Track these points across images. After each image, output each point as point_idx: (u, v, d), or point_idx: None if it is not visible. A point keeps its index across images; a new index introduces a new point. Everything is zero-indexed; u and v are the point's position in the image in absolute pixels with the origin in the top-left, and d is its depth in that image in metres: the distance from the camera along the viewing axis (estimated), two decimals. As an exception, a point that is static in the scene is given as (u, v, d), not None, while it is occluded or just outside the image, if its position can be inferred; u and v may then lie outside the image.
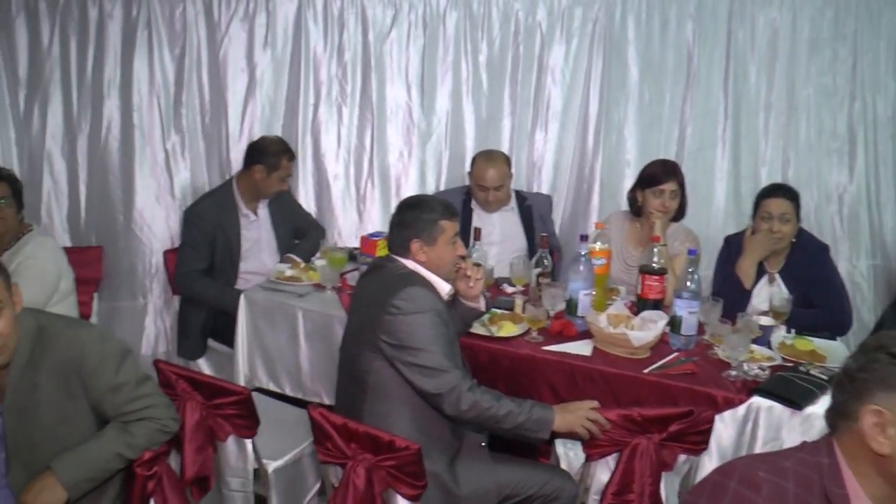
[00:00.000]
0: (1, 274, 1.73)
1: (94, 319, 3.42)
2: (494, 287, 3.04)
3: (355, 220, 3.93)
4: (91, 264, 3.44)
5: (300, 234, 3.57)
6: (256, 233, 3.41)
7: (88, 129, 3.72)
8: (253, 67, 3.77)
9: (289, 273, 3.13)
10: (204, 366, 3.45)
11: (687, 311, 2.44)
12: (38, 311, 1.91)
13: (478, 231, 3.09)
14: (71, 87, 3.67)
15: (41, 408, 1.79)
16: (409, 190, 3.88)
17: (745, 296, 2.86)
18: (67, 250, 3.09)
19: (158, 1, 3.63)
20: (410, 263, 2.23)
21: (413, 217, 2.22)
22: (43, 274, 2.83)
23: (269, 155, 3.30)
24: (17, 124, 3.69)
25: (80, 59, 3.66)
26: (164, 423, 1.89)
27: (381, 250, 2.87)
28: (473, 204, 3.46)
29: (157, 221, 3.80)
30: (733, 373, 2.28)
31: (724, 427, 2.18)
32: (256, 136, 3.70)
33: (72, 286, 3.03)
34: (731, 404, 2.19)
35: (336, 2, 3.76)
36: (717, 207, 3.92)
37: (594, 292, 2.69)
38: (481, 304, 2.40)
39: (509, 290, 3.01)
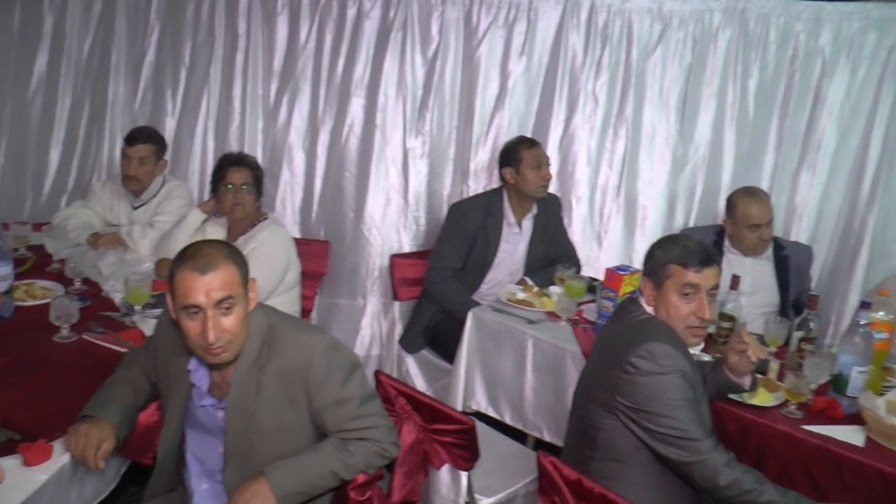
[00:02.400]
0: (240, 268, 1.84)
1: (314, 314, 3.79)
2: None
3: (594, 248, 4.05)
4: (317, 258, 3.76)
5: (552, 260, 3.64)
6: (514, 245, 3.59)
7: (331, 124, 4.03)
8: (506, 76, 3.93)
9: (521, 296, 3.27)
10: (415, 369, 3.67)
11: None
12: (271, 309, 2.00)
13: (736, 279, 3.07)
14: (320, 82, 3.99)
15: (262, 410, 1.88)
16: (656, 222, 3.96)
17: None
18: (296, 241, 3.41)
19: (417, 3, 3.86)
20: (651, 308, 2.16)
21: (651, 252, 2.16)
22: (273, 262, 3.14)
23: (509, 151, 3.56)
24: (265, 115, 4.07)
25: (333, 57, 3.95)
26: (385, 447, 1.93)
27: (627, 287, 2.91)
28: (727, 247, 3.49)
29: (386, 224, 4.06)
30: None
31: None
32: (500, 147, 3.86)
33: (298, 278, 3.37)
34: None
35: (602, 12, 3.84)
36: None
37: (870, 370, 2.57)
38: (746, 382, 2.29)
39: (759, 349, 3.06)
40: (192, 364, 1.92)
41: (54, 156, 4.25)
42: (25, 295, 2.77)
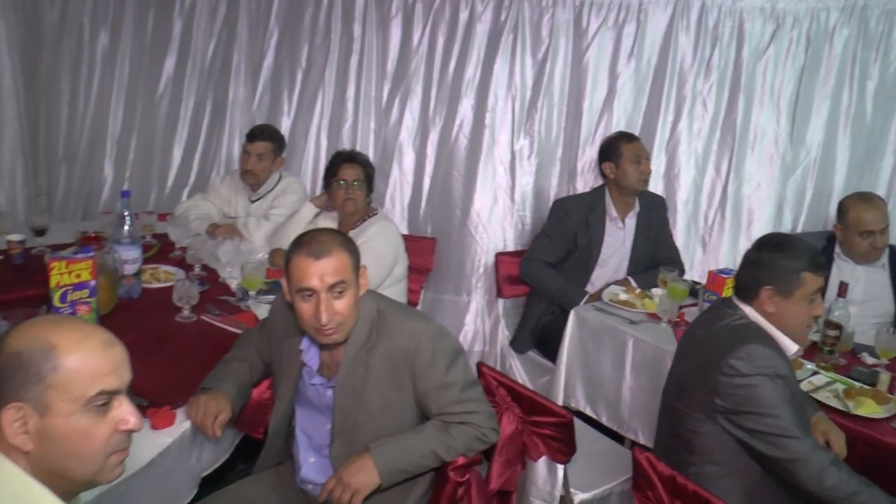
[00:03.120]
0: (352, 255, 1.96)
1: (419, 308, 3.97)
2: (851, 354, 2.98)
3: (698, 251, 4.14)
4: (424, 254, 3.99)
5: (655, 263, 3.69)
6: (619, 241, 3.68)
7: (441, 124, 4.25)
8: (614, 78, 4.08)
9: (623, 297, 3.38)
10: (519, 367, 3.81)
11: None
12: (380, 295, 2.14)
13: (844, 286, 3.10)
14: (431, 84, 4.22)
15: (369, 390, 2.00)
16: (762, 227, 4.01)
17: None
18: (404, 237, 3.61)
19: (528, 5, 4.03)
20: (752, 313, 2.18)
21: (772, 259, 2.15)
22: (382, 256, 3.33)
23: (608, 146, 3.66)
24: (377, 115, 4.32)
25: (444, 58, 4.18)
26: (485, 431, 2.02)
27: (729, 290, 2.92)
28: (837, 253, 3.49)
29: (492, 222, 4.24)
30: None
31: None
32: None
33: (405, 272, 3.58)
34: None
35: (713, 12, 3.94)
36: None
37: None
38: None
39: (869, 360, 2.92)
40: (304, 344, 2.07)
41: (177, 152, 4.64)
42: (151, 278, 3.05)
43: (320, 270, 1.89)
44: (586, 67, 4.11)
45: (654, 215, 3.79)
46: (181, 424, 2.03)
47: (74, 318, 1.07)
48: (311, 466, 2.15)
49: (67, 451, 1.18)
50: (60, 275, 2.37)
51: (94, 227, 3.54)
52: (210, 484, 2.22)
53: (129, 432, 1.26)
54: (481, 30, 4.12)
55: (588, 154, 4.19)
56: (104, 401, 1.20)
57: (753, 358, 2.05)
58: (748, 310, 2.20)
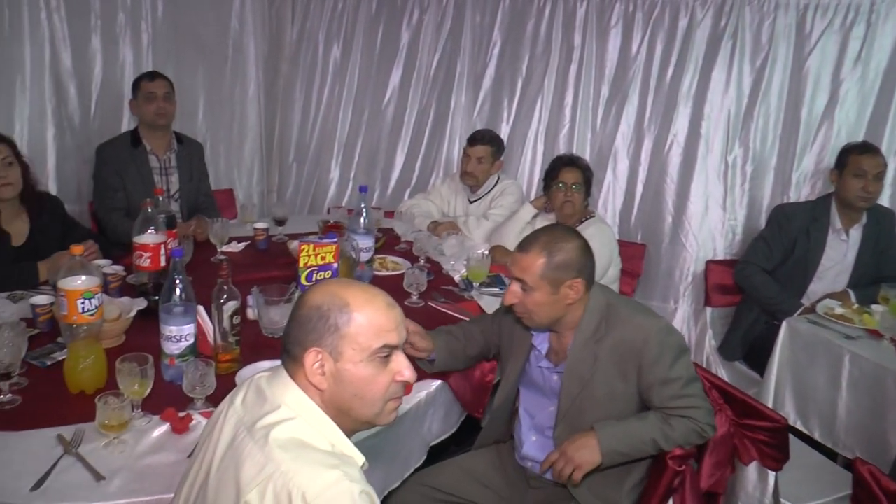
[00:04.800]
0: (549, 260, 2.14)
1: None
2: None
3: None
4: (634, 259, 4.26)
5: (878, 279, 3.60)
6: (841, 254, 3.69)
7: (656, 132, 4.56)
8: (837, 84, 4.21)
9: (839, 311, 3.35)
10: (725, 377, 3.95)
11: None
12: (609, 290, 2.31)
13: None
14: (648, 91, 4.55)
15: (595, 379, 2.17)
16: None
17: None
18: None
19: (749, 10, 4.27)
20: None
21: None
22: (598, 258, 3.46)
23: (842, 153, 3.68)
24: (593, 122, 4.70)
25: (662, 66, 4.50)
26: (703, 426, 2.14)
27: None
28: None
29: (703, 231, 4.48)
30: None
31: None
32: (826, 160, 4.18)
33: (618, 274, 3.83)
34: None
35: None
36: None
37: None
38: None
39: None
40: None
41: (400, 155, 5.24)
42: (380, 266, 3.49)
43: (517, 262, 2.17)
44: (807, 74, 4.27)
45: (883, 228, 3.75)
46: (416, 394, 2.35)
47: (361, 282, 1.48)
48: (532, 444, 2.37)
49: (354, 393, 1.41)
50: (308, 256, 2.79)
51: (334, 217, 4.12)
52: (435, 454, 2.54)
53: (404, 383, 1.48)
54: (700, 37, 4.40)
55: (805, 164, 4.35)
56: (386, 353, 1.43)
57: None
58: None
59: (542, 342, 2.31)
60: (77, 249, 2.27)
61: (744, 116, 4.42)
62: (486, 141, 4.24)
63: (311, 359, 1.41)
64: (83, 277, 2.21)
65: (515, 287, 2.17)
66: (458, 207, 4.42)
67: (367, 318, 1.42)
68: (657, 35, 4.52)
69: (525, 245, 2.18)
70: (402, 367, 1.46)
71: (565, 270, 2.14)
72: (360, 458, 1.43)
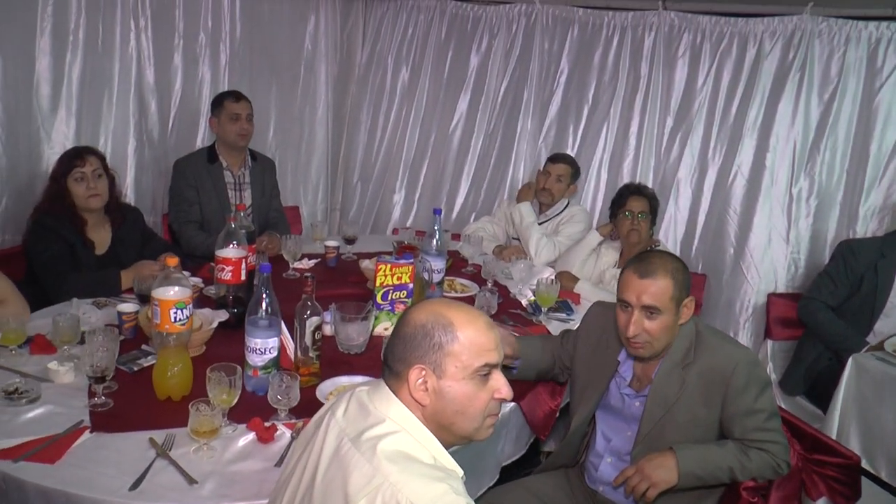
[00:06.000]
0: (677, 284, 2.17)
1: None
2: None
3: None
4: (694, 289, 3.97)
5: None
6: None
7: (720, 163, 4.57)
8: None
9: None
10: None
11: None
12: (697, 317, 2.31)
13: None
14: (713, 122, 4.57)
15: (680, 404, 2.21)
16: None
17: None
18: None
19: (819, 43, 4.26)
20: None
21: None
22: None
23: None
24: (657, 151, 4.74)
25: (728, 97, 4.51)
26: (780, 462, 2.17)
27: None
28: None
29: (765, 263, 4.45)
30: None
31: None
32: (895, 195, 4.18)
33: None
34: None
35: None
36: None
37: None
38: None
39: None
40: (622, 356, 2.35)
41: (466, 178, 5.34)
42: (448, 287, 3.60)
43: (640, 289, 2.15)
44: (877, 107, 4.24)
45: None
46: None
47: (461, 303, 1.55)
48: (607, 465, 2.40)
49: (456, 409, 1.46)
50: (385, 276, 2.87)
51: (403, 237, 4.22)
52: (504, 474, 2.61)
53: (502, 401, 1.53)
54: (767, 68, 4.41)
55: (873, 198, 4.31)
56: (486, 372, 1.48)
57: None
58: None
59: (627, 370, 2.36)
60: (172, 261, 2.37)
61: (810, 149, 4.39)
62: (567, 161, 4.32)
63: (415, 375, 1.46)
64: (176, 288, 2.31)
65: (638, 315, 2.18)
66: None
67: (470, 338, 1.47)
68: (724, 65, 4.54)
69: (647, 272, 2.18)
70: (500, 384, 1.52)
71: (685, 289, 2.21)
72: (460, 472, 1.49)
